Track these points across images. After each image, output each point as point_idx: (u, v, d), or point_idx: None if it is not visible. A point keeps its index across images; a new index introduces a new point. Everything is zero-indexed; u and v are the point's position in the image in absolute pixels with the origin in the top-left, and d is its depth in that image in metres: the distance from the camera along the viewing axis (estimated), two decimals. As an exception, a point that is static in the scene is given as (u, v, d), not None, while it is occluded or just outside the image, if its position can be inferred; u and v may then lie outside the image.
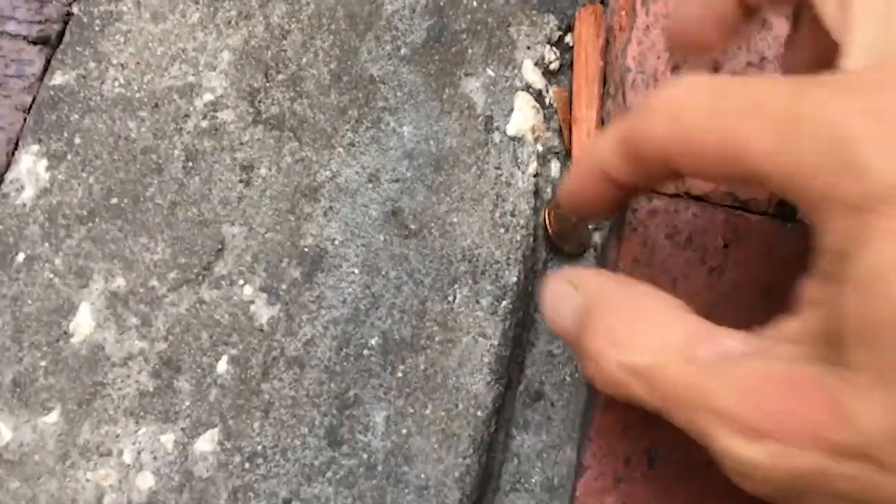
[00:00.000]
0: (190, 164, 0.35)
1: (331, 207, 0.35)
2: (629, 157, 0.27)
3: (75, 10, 0.39)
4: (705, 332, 0.25)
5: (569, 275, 0.29)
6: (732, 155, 0.23)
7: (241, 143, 0.35)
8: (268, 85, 0.36)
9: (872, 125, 0.21)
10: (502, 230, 0.35)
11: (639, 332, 0.25)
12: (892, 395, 0.21)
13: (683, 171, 0.25)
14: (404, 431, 0.32)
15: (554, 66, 0.38)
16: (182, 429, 0.31)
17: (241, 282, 0.33)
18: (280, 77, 0.36)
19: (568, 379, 0.36)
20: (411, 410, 0.32)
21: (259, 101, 0.36)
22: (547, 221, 0.36)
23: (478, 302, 0.34)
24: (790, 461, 0.22)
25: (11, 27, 0.39)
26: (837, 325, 0.22)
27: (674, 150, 0.25)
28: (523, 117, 0.36)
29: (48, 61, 0.38)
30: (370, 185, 0.35)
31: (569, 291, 0.28)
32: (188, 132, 0.35)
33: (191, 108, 0.36)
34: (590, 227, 0.36)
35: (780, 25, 0.36)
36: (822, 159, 0.21)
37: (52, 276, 0.33)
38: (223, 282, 0.33)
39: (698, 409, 0.24)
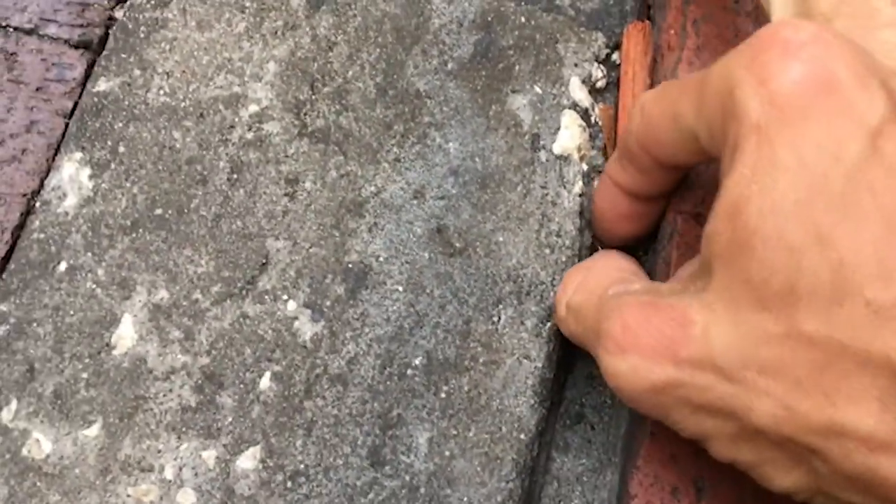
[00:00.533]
0: (235, 176, 0.34)
1: (375, 223, 0.34)
2: (624, 160, 0.31)
3: (118, 14, 0.38)
4: (627, 279, 0.30)
5: None
6: (671, 120, 0.28)
7: (287, 156, 0.35)
8: (313, 97, 0.36)
9: (750, 75, 0.24)
10: (547, 250, 0.34)
11: (583, 282, 0.31)
12: (736, 310, 0.24)
13: (653, 154, 0.30)
14: (447, 453, 0.32)
15: (600, 83, 0.38)
16: (224, 445, 0.31)
17: (285, 297, 0.33)
18: (326, 90, 0.36)
19: (608, 401, 0.35)
20: (454, 432, 0.32)
21: (304, 114, 0.35)
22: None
23: (522, 323, 0.33)
24: (648, 374, 0.25)
25: (52, 30, 0.38)
26: (707, 254, 0.25)
27: (643, 135, 0.29)
28: (570, 136, 0.36)
29: (89, 66, 0.37)
30: (415, 202, 0.35)
31: None
32: (233, 143, 0.35)
33: (236, 119, 0.35)
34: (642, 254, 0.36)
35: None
36: (718, 111, 0.25)
37: (94, 286, 0.33)
38: (267, 297, 0.33)
39: (593, 332, 0.28)
